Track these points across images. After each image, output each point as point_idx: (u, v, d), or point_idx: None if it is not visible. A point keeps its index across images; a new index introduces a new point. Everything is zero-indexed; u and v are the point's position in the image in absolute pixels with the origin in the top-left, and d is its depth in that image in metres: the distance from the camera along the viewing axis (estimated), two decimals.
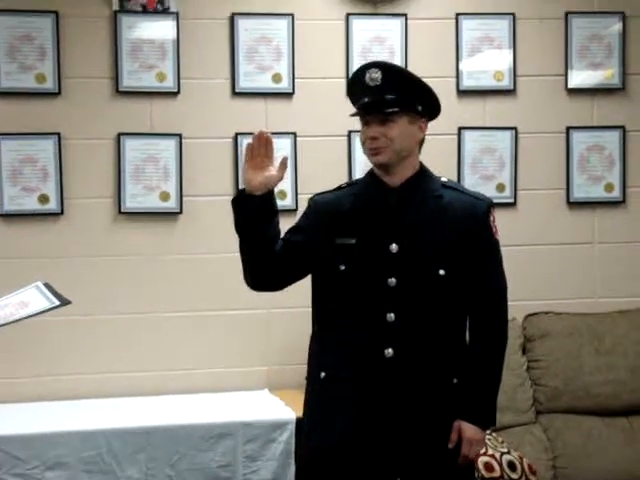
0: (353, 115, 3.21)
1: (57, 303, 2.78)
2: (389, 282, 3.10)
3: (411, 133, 3.14)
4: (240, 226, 3.15)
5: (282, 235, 3.20)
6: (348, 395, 3.11)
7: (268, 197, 3.12)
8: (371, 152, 3.14)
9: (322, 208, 3.24)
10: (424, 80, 3.19)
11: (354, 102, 3.20)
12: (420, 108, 3.14)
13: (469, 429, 3.13)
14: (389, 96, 3.10)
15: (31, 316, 2.74)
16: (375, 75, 3.11)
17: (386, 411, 3.08)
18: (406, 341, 3.08)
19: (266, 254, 3.15)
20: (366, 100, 3.12)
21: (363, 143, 3.17)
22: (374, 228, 3.14)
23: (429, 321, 3.11)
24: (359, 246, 3.13)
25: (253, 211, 3.11)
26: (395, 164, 3.14)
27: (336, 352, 3.14)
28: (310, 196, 3.34)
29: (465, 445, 3.13)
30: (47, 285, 2.90)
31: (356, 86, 3.18)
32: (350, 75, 3.33)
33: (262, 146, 3.11)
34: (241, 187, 3.21)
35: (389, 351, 3.08)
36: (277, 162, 3.14)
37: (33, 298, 2.81)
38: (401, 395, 3.08)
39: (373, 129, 3.12)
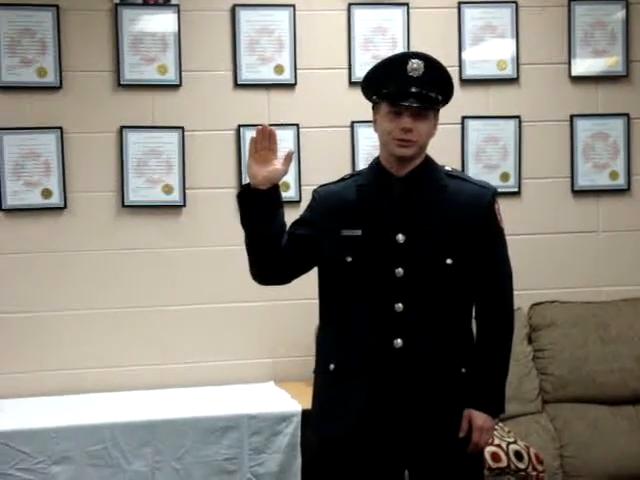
0: (381, 98, 3.09)
1: None
2: (396, 272, 3.08)
3: (433, 128, 3.14)
4: (246, 221, 3.15)
5: (287, 228, 3.19)
6: (358, 386, 3.10)
7: (273, 191, 3.12)
8: (400, 143, 3.08)
9: (326, 200, 3.22)
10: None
11: (381, 87, 3.09)
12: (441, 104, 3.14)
13: (479, 417, 3.13)
14: (432, 92, 3.07)
15: None
16: (417, 66, 3.06)
17: (396, 401, 3.08)
18: (415, 331, 3.07)
19: (272, 248, 3.14)
20: (413, 90, 3.04)
21: (389, 132, 3.10)
22: (380, 219, 3.12)
23: (437, 310, 3.10)
24: (365, 237, 3.11)
25: (258, 205, 3.10)
26: (412, 157, 3.12)
27: (345, 344, 3.13)
28: (313, 187, 3.33)
29: (476, 433, 3.13)
30: None
31: (393, 72, 3.08)
32: (381, 60, 3.17)
33: (265, 140, 3.10)
34: (245, 182, 3.20)
35: (398, 341, 3.07)
36: (282, 155, 3.13)
37: None
38: (411, 385, 3.08)
39: (408, 121, 3.06)
